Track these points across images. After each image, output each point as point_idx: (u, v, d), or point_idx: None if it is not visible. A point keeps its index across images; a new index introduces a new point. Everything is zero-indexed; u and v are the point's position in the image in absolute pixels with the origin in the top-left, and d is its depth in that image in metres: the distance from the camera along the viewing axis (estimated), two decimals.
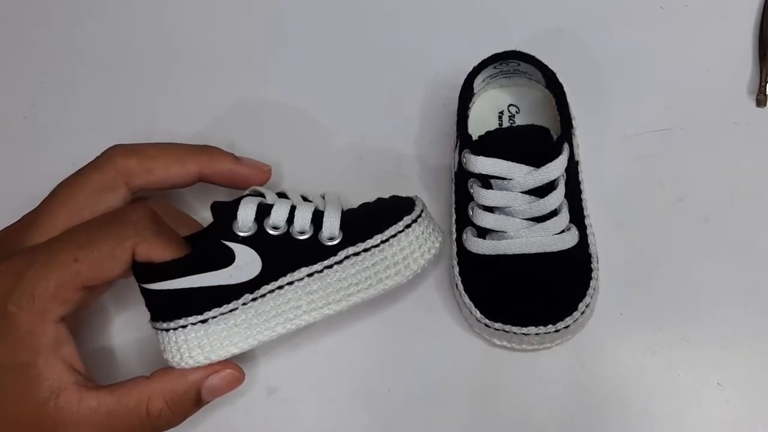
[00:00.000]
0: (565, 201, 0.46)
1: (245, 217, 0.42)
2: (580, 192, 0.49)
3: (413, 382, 0.48)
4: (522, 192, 0.45)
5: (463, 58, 0.48)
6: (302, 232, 0.43)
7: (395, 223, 0.44)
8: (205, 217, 0.46)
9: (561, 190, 0.45)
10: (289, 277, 0.43)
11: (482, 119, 0.51)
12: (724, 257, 0.49)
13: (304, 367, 0.49)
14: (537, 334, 0.44)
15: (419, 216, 0.45)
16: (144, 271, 0.41)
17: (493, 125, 0.51)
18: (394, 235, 0.44)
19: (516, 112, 0.51)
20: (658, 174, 0.51)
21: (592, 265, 0.47)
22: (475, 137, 0.47)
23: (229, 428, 0.48)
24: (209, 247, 0.42)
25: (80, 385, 0.40)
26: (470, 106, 0.49)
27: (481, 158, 0.45)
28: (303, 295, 0.43)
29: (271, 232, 0.43)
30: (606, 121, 0.53)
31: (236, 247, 0.42)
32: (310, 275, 0.43)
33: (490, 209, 0.46)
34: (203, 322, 0.42)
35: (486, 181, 0.46)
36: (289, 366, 0.49)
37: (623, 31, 0.56)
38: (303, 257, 0.43)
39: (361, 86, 0.56)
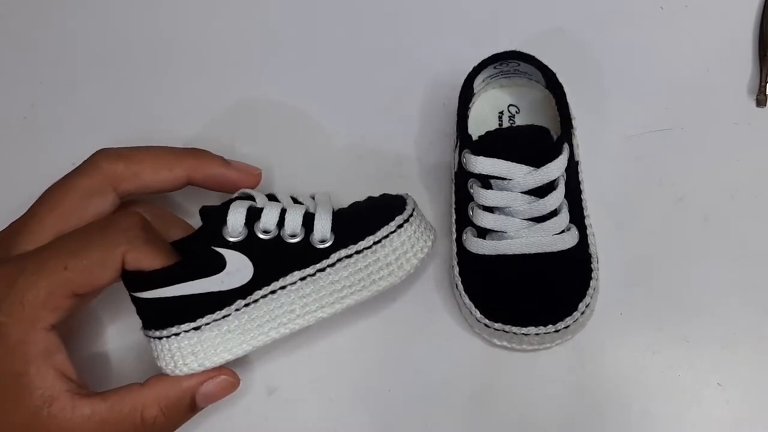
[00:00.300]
0: (565, 201, 0.46)
1: (235, 222, 0.42)
2: (580, 192, 0.49)
3: (413, 382, 0.48)
4: (522, 192, 0.45)
5: (463, 58, 0.48)
6: (293, 236, 0.43)
7: (387, 223, 0.44)
8: (196, 219, 0.46)
9: (561, 190, 0.45)
10: (281, 282, 0.43)
11: (482, 119, 0.51)
12: (724, 257, 0.49)
13: (305, 367, 0.49)
14: (537, 334, 0.44)
15: (411, 215, 0.45)
16: (134, 280, 0.41)
17: (493, 125, 0.51)
18: (387, 236, 0.44)
19: (516, 112, 0.51)
20: (658, 174, 0.51)
21: (592, 265, 0.47)
22: (475, 137, 0.47)
23: (229, 428, 0.48)
24: (200, 254, 0.42)
25: (73, 392, 0.39)
26: (470, 106, 0.49)
27: (481, 158, 0.45)
28: (296, 299, 0.43)
29: (262, 236, 0.42)
30: (606, 121, 0.53)
31: (227, 253, 0.42)
32: (302, 279, 0.43)
33: (490, 209, 0.46)
34: (196, 329, 0.42)
35: (486, 181, 0.46)
36: (290, 366, 0.49)
37: (623, 31, 0.56)
38: (295, 261, 0.43)
39: (361, 86, 0.56)
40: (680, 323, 0.48)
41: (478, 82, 0.49)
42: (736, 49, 0.54)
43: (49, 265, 0.39)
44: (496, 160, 0.45)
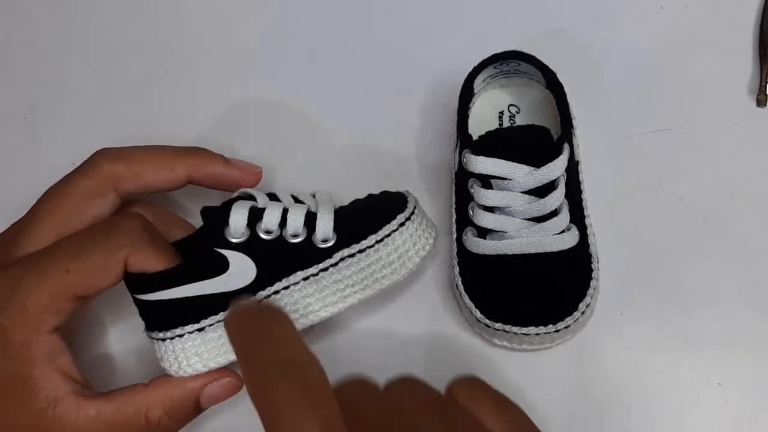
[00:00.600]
0: (566, 201, 0.46)
1: (237, 223, 0.42)
2: (580, 192, 0.49)
3: None
4: (522, 192, 0.45)
5: (463, 58, 0.48)
6: (296, 235, 0.43)
7: (389, 221, 0.44)
8: (197, 218, 0.46)
9: (561, 190, 0.45)
10: (284, 282, 0.42)
11: (482, 119, 0.51)
12: (724, 257, 0.49)
13: None
14: (537, 334, 0.44)
15: (412, 213, 0.45)
16: (137, 282, 0.41)
17: (493, 125, 0.51)
18: (389, 235, 0.44)
19: (516, 112, 0.51)
20: (658, 174, 0.51)
21: (592, 265, 0.47)
22: (475, 137, 0.47)
23: (230, 428, 0.48)
24: (202, 255, 0.42)
25: (78, 394, 0.39)
26: (470, 106, 0.49)
27: (482, 158, 0.45)
28: (299, 299, 0.43)
29: (264, 236, 0.42)
30: (606, 121, 0.53)
31: (230, 254, 0.41)
32: (305, 279, 0.43)
33: (490, 209, 0.46)
34: (200, 330, 0.42)
35: (486, 181, 0.46)
36: None
37: (623, 31, 0.56)
38: (298, 261, 0.43)
39: (360, 86, 0.56)
40: (680, 323, 0.48)
41: (478, 82, 0.49)
42: (736, 49, 0.54)
43: (51, 268, 0.39)
44: (496, 159, 0.45)
